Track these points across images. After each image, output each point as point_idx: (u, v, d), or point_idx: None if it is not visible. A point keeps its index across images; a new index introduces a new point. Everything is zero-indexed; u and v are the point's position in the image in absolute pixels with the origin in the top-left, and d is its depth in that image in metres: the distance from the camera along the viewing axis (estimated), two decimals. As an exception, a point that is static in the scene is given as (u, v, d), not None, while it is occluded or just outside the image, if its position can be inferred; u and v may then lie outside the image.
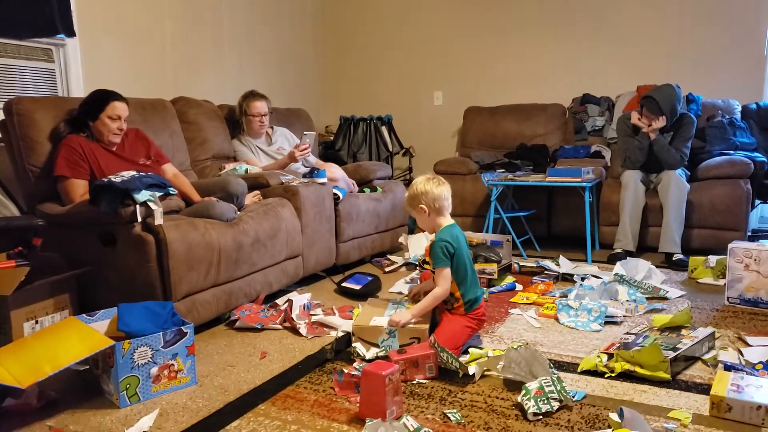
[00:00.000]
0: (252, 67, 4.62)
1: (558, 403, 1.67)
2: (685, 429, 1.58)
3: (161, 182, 2.34)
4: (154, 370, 1.82)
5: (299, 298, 2.58)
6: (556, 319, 2.47)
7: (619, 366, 1.91)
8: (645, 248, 3.63)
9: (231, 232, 2.48)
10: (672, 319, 2.18)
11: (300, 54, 5.23)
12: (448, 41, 5.17)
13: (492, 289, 2.91)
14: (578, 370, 1.96)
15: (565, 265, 3.27)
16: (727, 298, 2.68)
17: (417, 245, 3.53)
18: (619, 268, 3.02)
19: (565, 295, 2.73)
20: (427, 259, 2.23)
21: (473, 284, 2.16)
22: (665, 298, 2.76)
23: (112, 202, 2.14)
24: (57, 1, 3.08)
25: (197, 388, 1.89)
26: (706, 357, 2.01)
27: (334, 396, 1.81)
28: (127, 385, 1.76)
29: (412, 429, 1.55)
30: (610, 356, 1.98)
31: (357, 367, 1.90)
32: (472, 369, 1.91)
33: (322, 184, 3.18)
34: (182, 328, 1.88)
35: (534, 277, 3.10)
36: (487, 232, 3.79)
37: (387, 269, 3.45)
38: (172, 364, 1.86)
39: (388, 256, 3.74)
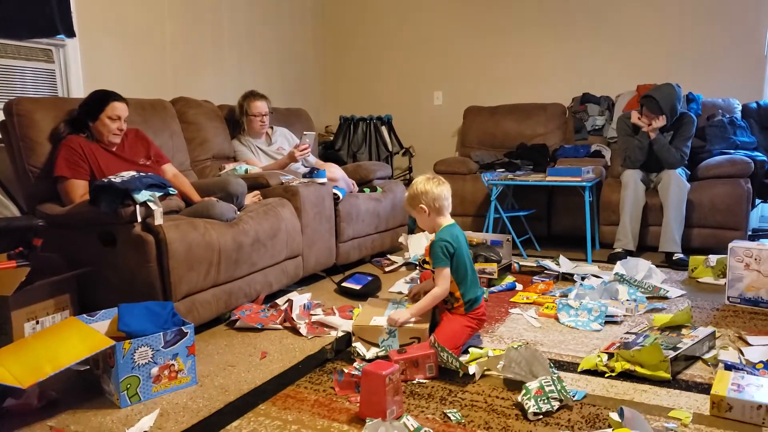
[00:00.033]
0: (252, 67, 4.62)
1: (558, 403, 1.67)
2: (685, 429, 1.58)
3: (161, 182, 2.35)
4: (155, 370, 1.82)
5: (299, 298, 2.58)
6: (557, 319, 2.47)
7: (620, 365, 1.91)
8: (645, 248, 3.63)
9: (231, 232, 2.48)
10: (672, 318, 2.18)
11: (300, 54, 5.23)
12: (448, 41, 5.16)
13: (492, 288, 2.91)
14: (578, 370, 1.96)
15: (565, 264, 3.27)
16: (728, 298, 2.68)
17: (417, 245, 3.53)
18: (619, 267, 3.02)
19: (565, 295, 2.73)
20: (427, 258, 2.23)
21: (473, 284, 2.16)
22: (665, 298, 2.75)
23: (112, 202, 2.14)
24: (57, 2, 3.08)
25: (198, 388, 1.90)
26: (706, 356, 2.01)
27: (334, 396, 1.81)
28: (128, 385, 1.76)
29: (412, 429, 1.55)
30: (611, 356, 1.98)
31: (357, 366, 1.90)
32: (472, 369, 1.91)
33: (322, 184, 3.18)
34: (182, 328, 1.88)
35: (534, 277, 3.10)
36: (487, 231, 3.78)
37: (387, 269, 3.45)
38: (173, 364, 1.86)
39: (388, 256, 3.74)
